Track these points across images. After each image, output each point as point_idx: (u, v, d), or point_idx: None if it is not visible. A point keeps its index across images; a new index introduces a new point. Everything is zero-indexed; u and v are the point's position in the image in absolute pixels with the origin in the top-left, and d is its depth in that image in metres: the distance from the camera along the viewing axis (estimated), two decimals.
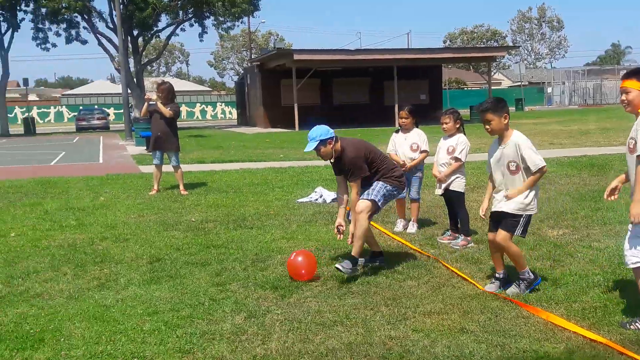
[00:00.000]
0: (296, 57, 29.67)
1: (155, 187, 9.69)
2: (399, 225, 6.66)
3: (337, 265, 4.83)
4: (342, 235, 5.21)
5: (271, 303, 4.36)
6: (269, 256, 5.62)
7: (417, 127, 6.58)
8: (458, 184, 5.95)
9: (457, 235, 5.97)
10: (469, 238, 5.86)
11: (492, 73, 54.19)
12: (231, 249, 5.95)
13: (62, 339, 3.75)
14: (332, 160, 5.16)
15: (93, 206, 8.46)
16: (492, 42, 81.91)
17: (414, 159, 6.44)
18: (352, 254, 4.96)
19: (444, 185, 5.99)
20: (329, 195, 8.46)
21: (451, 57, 37.30)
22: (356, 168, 4.99)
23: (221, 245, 6.11)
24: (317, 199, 8.41)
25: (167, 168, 10.08)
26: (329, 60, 31.55)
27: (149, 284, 4.86)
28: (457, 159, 5.87)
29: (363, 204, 4.96)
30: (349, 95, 36.41)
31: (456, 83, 69.27)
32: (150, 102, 9.62)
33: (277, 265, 5.29)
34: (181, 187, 9.68)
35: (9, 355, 3.52)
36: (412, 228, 6.54)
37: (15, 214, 7.98)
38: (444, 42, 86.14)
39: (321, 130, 4.93)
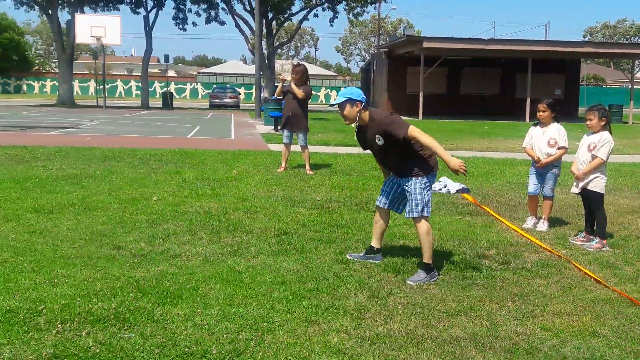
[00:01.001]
0: (426, 44, 29.25)
1: (283, 164, 10.03)
2: (529, 222, 6.44)
3: (408, 281, 4.50)
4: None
5: (393, 286, 4.41)
6: (391, 241, 5.66)
7: (557, 122, 6.30)
8: (597, 184, 5.65)
9: (591, 237, 5.69)
10: (604, 241, 5.57)
11: (636, 71, 50.41)
12: (354, 229, 6.05)
13: (199, 298, 4.02)
14: (356, 129, 4.91)
15: (226, 178, 8.91)
16: (637, 38, 76.16)
17: (550, 155, 6.18)
18: (424, 260, 4.64)
19: (581, 184, 5.71)
20: (454, 186, 8.34)
21: (592, 52, 35.18)
22: (397, 124, 4.52)
23: (344, 225, 6.23)
24: (440, 189, 8.32)
25: (295, 147, 10.37)
26: (459, 49, 30.79)
27: (277, 255, 5.07)
28: (596, 157, 5.58)
29: (424, 227, 4.61)
30: (477, 85, 35.42)
31: (594, 79, 65.23)
32: (285, 83, 9.95)
33: (400, 250, 5.31)
34: (307, 166, 9.94)
35: (151, 308, 3.82)
36: (543, 226, 6.31)
37: (157, 179, 8.58)
38: (584, 36, 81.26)
39: (353, 90, 4.74)
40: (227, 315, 3.74)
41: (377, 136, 4.67)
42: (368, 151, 5.03)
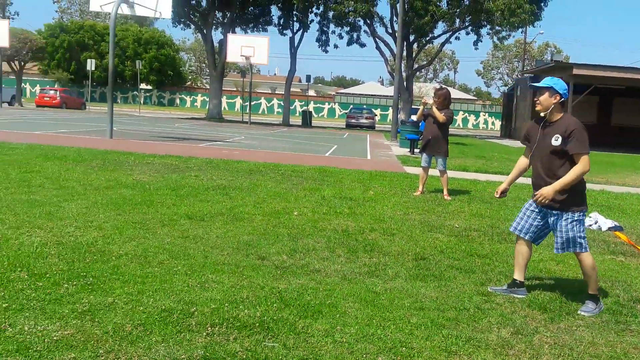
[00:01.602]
0: (575, 71, 27.84)
1: (420, 188, 9.96)
2: None
3: (580, 312, 4.46)
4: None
5: (539, 324, 4.21)
6: (536, 276, 5.41)
7: None
8: None
9: None
10: None
11: None
12: (496, 260, 5.86)
13: (338, 315, 4.08)
14: (534, 120, 4.81)
15: (363, 198, 9.00)
16: None
17: None
18: (590, 292, 4.60)
19: None
20: (605, 223, 7.82)
21: None
22: (583, 140, 4.50)
23: (485, 255, 6.05)
24: (591, 225, 7.83)
25: (432, 172, 10.27)
26: (612, 77, 28.96)
27: (415, 280, 5.03)
28: None
29: (589, 261, 4.61)
30: (631, 116, 33.07)
31: None
32: (426, 107, 9.92)
33: (545, 287, 5.07)
34: (445, 191, 9.79)
35: (293, 320, 3.93)
36: None
37: (297, 195, 8.85)
38: None
39: (559, 82, 4.61)
40: (366, 336, 3.76)
41: (556, 135, 4.57)
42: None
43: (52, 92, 45.79)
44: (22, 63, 45.04)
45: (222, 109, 46.57)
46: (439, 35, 40.01)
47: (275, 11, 43.11)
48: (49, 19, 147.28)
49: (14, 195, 7.27)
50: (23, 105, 43.42)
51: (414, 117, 23.89)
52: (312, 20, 42.90)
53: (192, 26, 45.05)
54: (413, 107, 36.94)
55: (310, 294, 4.48)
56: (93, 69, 44.58)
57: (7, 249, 5.00)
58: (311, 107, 60.54)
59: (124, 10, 16.89)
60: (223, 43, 39.53)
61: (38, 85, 62.57)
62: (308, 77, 49.28)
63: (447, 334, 3.88)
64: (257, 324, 3.80)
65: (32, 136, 15.77)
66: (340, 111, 63.92)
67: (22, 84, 47.99)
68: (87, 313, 3.78)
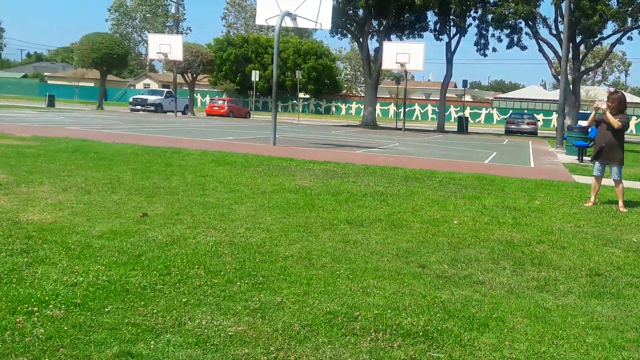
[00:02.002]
0: None
1: (592, 198, 9.29)
2: None
3: None
4: None
5: None
6: None
7: None
8: None
9: None
10: None
11: None
12: None
13: (505, 330, 3.91)
14: None
15: (528, 208, 8.58)
16: None
17: None
18: None
19: None
20: None
21: None
22: None
23: None
24: None
25: (606, 181, 9.55)
26: None
27: (590, 297, 4.68)
28: None
29: None
30: None
31: None
32: (598, 112, 9.25)
33: None
34: (620, 203, 9.04)
35: (458, 332, 3.83)
36: None
37: (456, 203, 8.66)
38: None
39: None
40: (537, 353, 3.56)
41: None
42: None
43: (220, 102, 49.06)
44: (194, 75, 48.73)
45: (376, 116, 46.96)
46: (609, 36, 37.19)
47: (431, 17, 42.76)
48: (217, 34, 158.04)
49: (191, 197, 7.86)
50: (195, 114, 46.95)
51: (582, 123, 22.41)
52: (470, 24, 41.87)
53: (349, 35, 45.98)
54: (581, 111, 34.69)
55: (475, 306, 4.35)
56: (257, 79, 47.12)
57: (185, 247, 5.41)
58: (467, 112, 59.04)
59: (287, 22, 17.64)
60: (378, 51, 39.88)
61: (208, 95, 67.34)
62: (464, 82, 48.14)
63: (628, 356, 3.57)
64: (421, 333, 3.75)
65: (205, 143, 16.98)
66: (499, 117, 61.64)
67: (194, 95, 51.94)
68: (258, 311, 3.97)
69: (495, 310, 4.28)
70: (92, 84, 69.78)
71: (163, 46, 38.38)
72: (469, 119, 53.26)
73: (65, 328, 3.47)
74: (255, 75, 46.59)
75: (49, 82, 78.36)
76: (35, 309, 3.71)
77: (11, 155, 10.96)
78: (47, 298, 3.91)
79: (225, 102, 48.84)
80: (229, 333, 3.58)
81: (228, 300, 4.14)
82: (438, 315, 4.09)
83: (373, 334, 3.72)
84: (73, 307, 3.81)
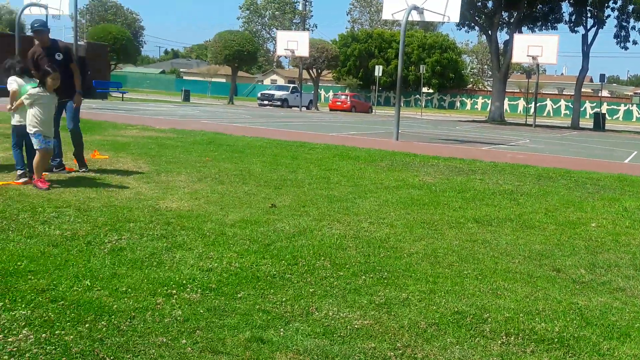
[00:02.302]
0: None
1: None
2: None
3: None
4: None
5: None
6: None
7: None
8: None
9: None
10: None
11: None
12: None
13: None
14: None
15: None
16: None
17: None
18: None
19: None
20: None
21: None
22: None
23: None
24: None
25: None
26: None
27: None
28: None
29: None
30: None
31: None
32: None
33: None
34: None
35: (596, 340, 3.60)
36: None
37: (594, 205, 8.14)
38: None
39: None
40: None
41: None
42: None
43: (343, 97, 49.57)
44: (319, 71, 49.57)
45: (504, 111, 45.30)
46: None
47: (566, 8, 40.61)
48: (342, 30, 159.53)
49: (316, 190, 8.00)
50: (318, 109, 47.80)
51: None
52: (609, 16, 39.22)
53: (477, 28, 44.69)
54: None
55: (615, 314, 4.06)
56: (380, 74, 47.07)
57: (312, 238, 5.51)
58: (604, 108, 55.40)
59: (414, 16, 17.43)
60: (508, 44, 38.43)
61: (331, 90, 68.28)
62: (602, 77, 45.12)
63: None
64: (556, 340, 3.57)
65: (328, 137, 17.22)
66: (639, 114, 57.31)
67: (318, 90, 52.85)
68: (384, 306, 3.95)
69: (637, 319, 3.97)
70: (223, 80, 73.08)
71: (290, 43, 39.40)
72: (606, 115, 49.95)
73: (201, 311, 3.65)
74: (378, 70, 46.57)
75: (184, 77, 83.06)
76: (174, 291, 3.94)
77: (152, 146, 11.72)
78: (184, 282, 4.13)
79: (348, 97, 49.27)
80: (355, 326, 3.59)
81: (353, 293, 4.16)
82: (574, 322, 3.87)
83: (504, 337, 3.58)
84: (208, 291, 3.99)
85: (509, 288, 4.47)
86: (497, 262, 5.16)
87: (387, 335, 3.50)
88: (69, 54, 8.25)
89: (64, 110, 8.36)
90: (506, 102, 55.56)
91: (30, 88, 7.09)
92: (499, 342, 3.52)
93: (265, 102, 46.66)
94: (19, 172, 7.28)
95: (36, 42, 8.29)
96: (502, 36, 44.07)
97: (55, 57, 7.99)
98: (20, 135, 7.36)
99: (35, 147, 7.09)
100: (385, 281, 4.45)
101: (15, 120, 7.32)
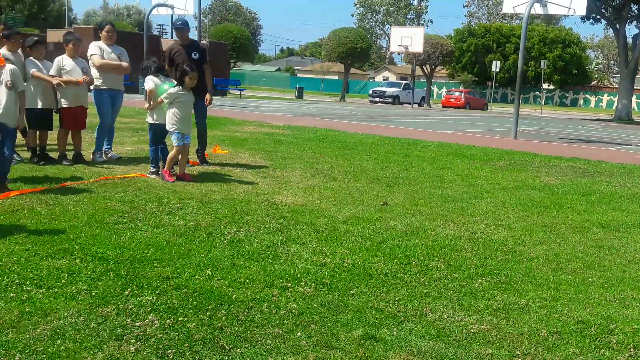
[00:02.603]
0: None
1: None
2: None
3: None
4: None
5: None
6: None
7: None
8: None
9: None
10: None
11: None
12: None
13: None
14: None
15: None
16: None
17: None
18: None
19: None
20: None
21: None
22: None
23: None
24: None
25: None
26: None
27: None
28: None
29: None
30: None
31: None
32: None
33: None
34: None
35: None
36: None
37: None
38: None
39: None
40: None
41: None
42: None
43: (457, 93, 48.48)
44: (433, 67, 48.76)
45: (632, 109, 42.35)
46: None
47: None
48: (457, 24, 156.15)
49: (429, 189, 7.87)
50: (431, 106, 47.06)
51: None
52: None
53: (603, 21, 42.07)
54: None
55: None
56: (497, 70, 45.54)
57: (425, 238, 5.42)
58: None
59: (536, 9, 16.69)
60: (638, 38, 35.86)
61: (444, 87, 66.98)
62: None
63: None
64: None
65: (441, 135, 16.91)
66: None
67: (431, 87, 52.01)
68: (501, 311, 3.81)
69: None
70: (335, 77, 73.79)
71: (404, 39, 39.05)
72: None
73: (315, 305, 3.70)
74: (495, 66, 45.05)
75: (298, 75, 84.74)
76: (289, 284, 4.02)
77: (268, 142, 12.05)
78: (299, 275, 4.21)
79: (462, 93, 48.10)
80: (471, 330, 3.49)
81: (469, 296, 4.05)
82: None
83: (632, 350, 3.35)
84: (321, 286, 4.04)
85: (637, 298, 4.18)
86: (625, 270, 4.83)
87: (505, 342, 3.37)
88: (204, 54, 8.65)
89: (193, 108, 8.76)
90: (634, 99, 51.90)
91: (167, 87, 7.28)
92: (626, 354, 3.30)
93: (377, 99, 46.58)
94: (152, 169, 7.53)
95: (176, 38, 8.79)
96: (630, 30, 41.35)
97: (191, 55, 8.40)
98: (156, 133, 7.54)
99: (174, 144, 7.28)
100: (503, 286, 4.30)
101: (152, 119, 7.47)
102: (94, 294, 3.64)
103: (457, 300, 3.97)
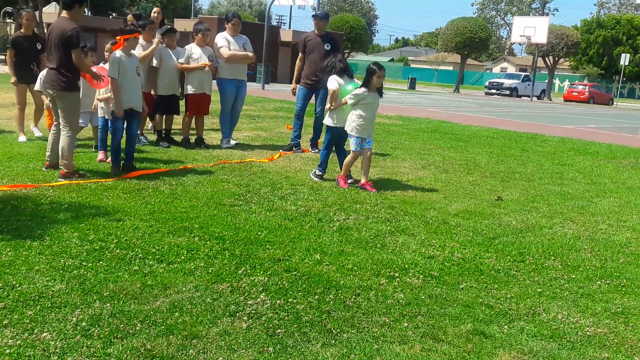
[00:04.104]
0: None
1: None
2: None
3: None
4: None
5: None
6: None
7: None
8: None
9: None
10: None
11: None
12: None
13: None
14: None
15: None
16: None
17: None
18: None
19: None
20: None
21: None
22: None
23: None
24: None
25: None
26: None
27: None
28: None
29: None
30: None
31: None
32: None
33: None
34: None
35: None
36: None
37: None
38: None
39: None
40: None
41: None
42: None
43: (580, 87, 45.87)
44: (556, 58, 46.44)
45: None
46: None
47: None
48: (586, 15, 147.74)
49: (547, 185, 7.54)
50: (552, 100, 44.88)
51: None
52: None
53: None
54: None
55: None
56: (626, 63, 42.61)
57: (541, 236, 5.21)
58: None
59: None
60: None
61: (567, 80, 63.60)
62: None
63: None
64: None
65: (562, 130, 16.10)
66: None
67: (553, 79, 49.59)
68: (621, 315, 3.61)
69: None
70: (450, 68, 72.20)
71: (527, 29, 37.53)
72: None
73: (423, 297, 3.67)
74: (624, 59, 42.14)
75: (412, 65, 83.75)
76: (396, 274, 4.01)
77: (379, 132, 12.03)
78: (406, 266, 4.19)
79: (587, 87, 45.43)
80: (587, 333, 3.33)
81: (586, 298, 3.86)
82: None
83: None
84: (429, 278, 4.00)
85: None
86: None
87: (623, 347, 3.20)
88: (336, 45, 8.83)
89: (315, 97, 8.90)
90: None
91: (351, 88, 6.66)
92: None
93: (493, 91, 45.03)
94: (319, 172, 6.95)
95: (314, 29, 8.95)
96: None
97: (324, 46, 8.61)
98: (334, 136, 6.88)
99: (351, 148, 6.65)
100: (624, 289, 4.06)
101: (332, 121, 6.81)
102: (210, 271, 3.83)
103: (573, 301, 3.80)
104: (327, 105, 6.88)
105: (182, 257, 4.02)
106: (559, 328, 3.38)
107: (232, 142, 8.93)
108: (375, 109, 6.70)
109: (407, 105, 22.95)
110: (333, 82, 6.76)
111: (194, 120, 8.65)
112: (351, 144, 6.64)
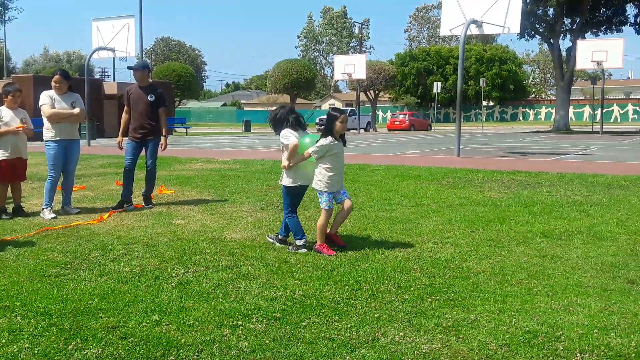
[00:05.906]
0: None
1: None
2: None
3: None
4: None
5: None
6: None
7: None
8: None
9: None
10: None
11: None
12: None
13: None
14: None
15: None
16: None
17: None
18: None
19: None
20: None
21: None
22: None
23: None
24: None
25: None
26: None
27: None
28: None
29: None
30: None
31: None
32: None
33: None
34: None
35: None
36: None
37: None
38: None
39: None
40: None
41: None
42: None
43: (401, 116, 49.35)
44: (377, 92, 49.61)
45: (569, 119, 43.95)
46: None
47: (631, 10, 39.22)
48: (399, 48, 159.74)
49: (377, 212, 7.96)
50: (377, 130, 47.74)
51: None
52: None
53: (537, 37, 43.79)
54: None
55: None
56: (438, 91, 46.66)
57: (374, 262, 5.46)
58: None
59: (472, 30, 17.24)
60: (571, 50, 37.46)
61: (389, 111, 68.10)
62: None
63: None
64: (633, 355, 3.41)
65: (388, 158, 17.15)
66: None
67: (376, 111, 52.83)
68: (451, 328, 3.86)
69: None
70: None
71: (347, 66, 39.71)
72: None
73: (267, 341, 3.66)
74: (436, 87, 46.17)
75: (245, 108, 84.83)
76: (240, 322, 3.97)
77: (215, 178, 11.98)
78: (249, 312, 4.17)
79: (406, 116, 49.00)
80: (423, 350, 3.52)
81: (420, 316, 4.09)
82: None
83: (578, 355, 3.44)
84: (273, 320, 4.01)
85: (581, 303, 4.30)
86: (569, 277, 4.97)
87: (456, 359, 3.41)
88: (161, 96, 8.62)
89: (142, 149, 8.64)
90: (571, 110, 53.89)
91: (309, 140, 6.04)
92: (573, 359, 3.38)
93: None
94: (299, 241, 6.01)
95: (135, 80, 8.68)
96: (564, 43, 43.04)
97: (148, 97, 8.42)
98: (296, 197, 6.21)
99: (322, 207, 5.98)
100: (452, 302, 4.36)
101: (290, 180, 6.07)
102: (36, 351, 3.52)
103: (408, 321, 4.00)
104: (285, 163, 6.03)
105: (4, 341, 3.66)
106: (397, 350, 3.54)
107: (73, 210, 8.22)
108: (343, 159, 6.10)
109: (242, 148, 23.13)
110: (290, 137, 5.98)
111: (9, 188, 8.02)
112: (322, 203, 5.97)
